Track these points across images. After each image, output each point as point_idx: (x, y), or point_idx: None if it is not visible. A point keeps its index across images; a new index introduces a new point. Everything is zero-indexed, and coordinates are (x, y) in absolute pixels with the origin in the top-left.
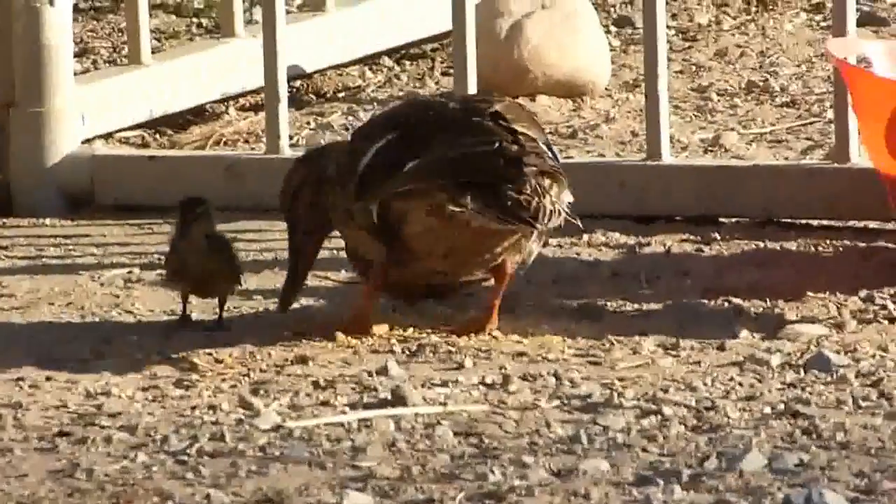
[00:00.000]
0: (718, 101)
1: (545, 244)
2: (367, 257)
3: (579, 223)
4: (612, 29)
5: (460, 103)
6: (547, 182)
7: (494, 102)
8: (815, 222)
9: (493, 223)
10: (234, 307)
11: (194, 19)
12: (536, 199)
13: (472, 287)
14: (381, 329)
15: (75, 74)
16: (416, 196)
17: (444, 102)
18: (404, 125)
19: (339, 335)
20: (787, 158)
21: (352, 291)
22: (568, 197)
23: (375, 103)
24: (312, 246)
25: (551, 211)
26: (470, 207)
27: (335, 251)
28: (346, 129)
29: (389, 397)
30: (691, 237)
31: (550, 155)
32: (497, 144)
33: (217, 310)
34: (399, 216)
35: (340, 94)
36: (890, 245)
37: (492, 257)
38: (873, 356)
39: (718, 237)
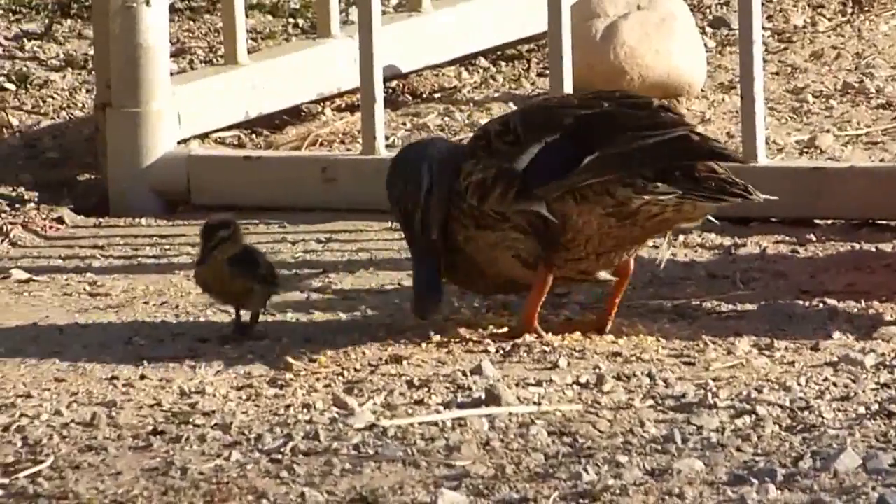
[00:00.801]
0: (814, 102)
1: None
2: (491, 269)
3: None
4: (708, 30)
5: (615, 102)
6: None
7: (651, 99)
8: None
9: (707, 203)
10: (329, 307)
11: (290, 19)
12: (732, 175)
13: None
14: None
15: (172, 74)
16: (592, 194)
17: (594, 100)
18: (562, 126)
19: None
20: (882, 160)
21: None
22: None
23: (471, 104)
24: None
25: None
26: (677, 193)
27: None
28: (442, 130)
29: (484, 397)
30: (787, 238)
31: None
32: (684, 132)
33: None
34: (566, 218)
35: (436, 95)
36: None
37: (632, 253)
38: None
39: (814, 238)
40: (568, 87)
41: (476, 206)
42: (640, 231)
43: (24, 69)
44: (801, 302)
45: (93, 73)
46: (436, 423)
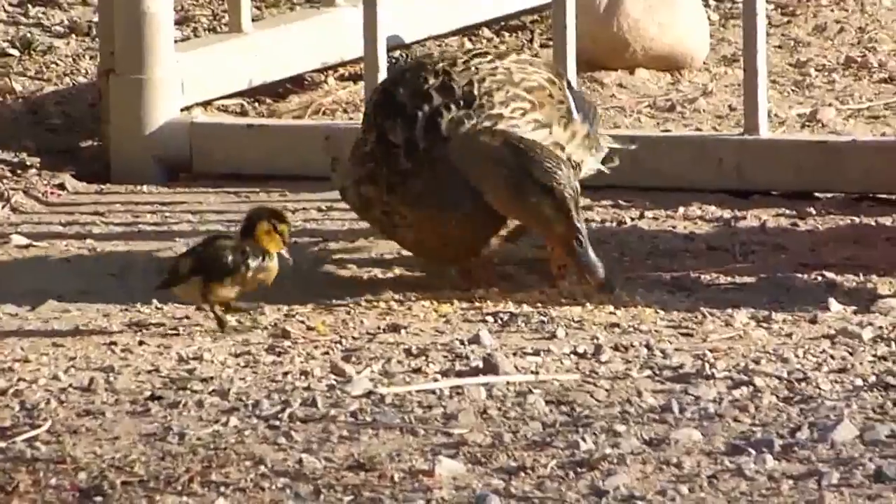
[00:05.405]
0: (816, 76)
1: None
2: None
3: None
4: (712, 3)
5: None
6: None
7: None
8: None
9: None
10: (328, 276)
11: None
12: None
13: None
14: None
15: (175, 42)
16: None
17: None
18: None
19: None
20: (884, 134)
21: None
22: None
23: None
24: None
25: None
26: None
27: None
28: None
29: (481, 365)
30: (787, 212)
31: None
32: None
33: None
34: None
35: None
36: None
37: None
38: None
39: (814, 212)
40: (571, 59)
41: None
42: None
43: (28, 35)
44: (800, 275)
45: (97, 39)
46: (433, 392)
